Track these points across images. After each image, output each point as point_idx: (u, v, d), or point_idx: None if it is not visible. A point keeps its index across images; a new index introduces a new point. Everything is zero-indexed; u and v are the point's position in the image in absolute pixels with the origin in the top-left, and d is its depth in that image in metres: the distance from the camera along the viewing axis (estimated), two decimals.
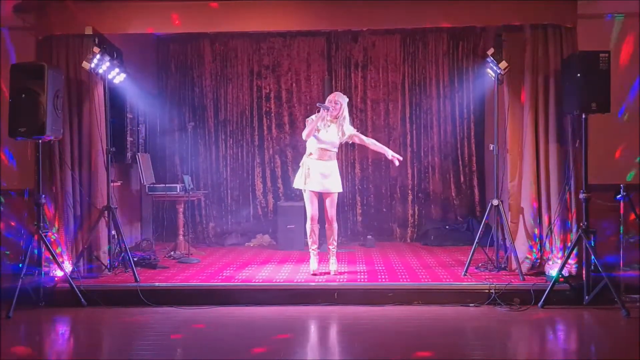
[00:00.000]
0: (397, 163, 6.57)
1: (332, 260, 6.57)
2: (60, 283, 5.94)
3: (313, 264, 6.50)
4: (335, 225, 6.52)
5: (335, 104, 6.36)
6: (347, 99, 6.51)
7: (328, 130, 6.38)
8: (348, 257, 7.64)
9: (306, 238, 6.68)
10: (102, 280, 6.26)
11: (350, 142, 6.80)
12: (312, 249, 6.53)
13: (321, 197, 6.46)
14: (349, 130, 6.47)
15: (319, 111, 6.34)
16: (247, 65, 9.49)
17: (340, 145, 9.13)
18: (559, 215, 6.16)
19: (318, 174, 6.35)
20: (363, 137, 6.69)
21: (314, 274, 6.41)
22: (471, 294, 5.80)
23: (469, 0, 6.33)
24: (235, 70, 9.49)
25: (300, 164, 6.53)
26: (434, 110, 9.33)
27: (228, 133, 9.53)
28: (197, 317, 5.45)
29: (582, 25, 6.24)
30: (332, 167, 6.44)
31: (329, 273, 6.48)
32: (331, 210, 6.44)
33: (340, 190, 6.54)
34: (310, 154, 6.41)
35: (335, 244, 6.60)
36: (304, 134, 6.34)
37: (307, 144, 6.46)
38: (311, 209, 6.41)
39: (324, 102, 6.48)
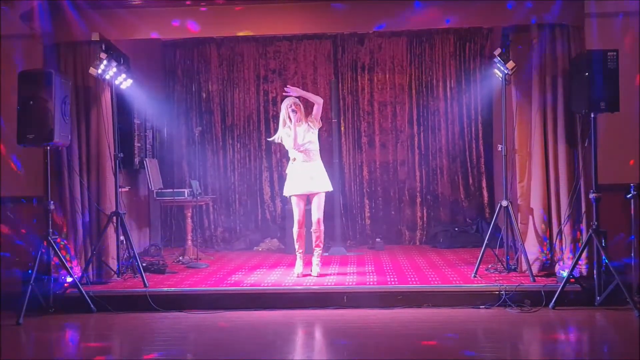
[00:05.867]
0: (290, 91, 6.50)
1: (316, 261, 6.57)
2: (70, 289, 5.94)
3: (298, 267, 6.57)
4: (322, 227, 6.53)
5: (296, 105, 6.44)
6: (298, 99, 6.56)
7: (300, 131, 6.45)
8: (357, 260, 7.62)
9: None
10: (111, 286, 6.27)
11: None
12: (299, 253, 6.58)
13: (309, 199, 6.51)
14: (313, 120, 6.50)
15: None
16: (254, 69, 9.51)
17: (348, 149, 9.31)
18: (569, 216, 6.12)
19: (304, 177, 6.43)
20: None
21: (299, 277, 6.46)
22: (481, 296, 5.77)
23: (475, 0, 6.31)
24: (242, 75, 9.51)
25: (287, 172, 6.61)
26: (441, 112, 9.31)
27: (235, 137, 9.55)
28: (206, 322, 5.44)
29: (590, 24, 6.21)
30: (318, 167, 6.52)
31: (319, 275, 6.49)
32: (318, 211, 6.47)
33: (329, 189, 6.55)
34: (294, 159, 6.49)
35: (322, 246, 6.62)
36: (291, 145, 6.43)
37: (290, 152, 6.52)
38: (297, 213, 6.49)
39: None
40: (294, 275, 6.52)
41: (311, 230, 6.57)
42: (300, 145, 6.44)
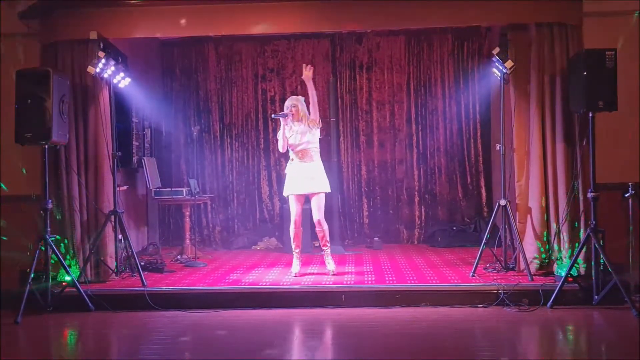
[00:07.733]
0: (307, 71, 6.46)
1: (329, 260, 6.61)
2: (68, 288, 5.94)
3: (295, 266, 6.56)
4: (324, 226, 6.52)
5: (293, 107, 6.45)
6: (302, 98, 6.57)
7: (297, 132, 6.42)
8: (355, 259, 7.62)
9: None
10: (109, 285, 6.27)
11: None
12: (295, 252, 6.58)
13: (307, 199, 6.50)
14: (312, 120, 6.43)
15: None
16: (252, 68, 9.50)
17: (346, 148, 9.30)
18: (567, 215, 6.12)
19: (302, 177, 6.40)
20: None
21: (296, 276, 6.46)
22: (479, 295, 5.77)
23: (473, 0, 6.31)
24: (240, 74, 9.50)
25: (285, 172, 6.61)
26: (439, 111, 9.31)
27: (233, 136, 9.54)
28: (204, 320, 5.44)
29: (588, 23, 6.21)
30: (317, 168, 6.47)
31: (317, 274, 6.52)
32: (318, 212, 6.46)
33: (327, 190, 6.52)
34: (292, 159, 6.48)
35: (329, 244, 6.62)
36: (280, 148, 6.48)
37: (289, 153, 6.52)
38: (294, 213, 6.48)
39: (283, 111, 6.54)
40: (292, 275, 6.52)
41: (316, 230, 6.56)
42: (298, 144, 6.41)
